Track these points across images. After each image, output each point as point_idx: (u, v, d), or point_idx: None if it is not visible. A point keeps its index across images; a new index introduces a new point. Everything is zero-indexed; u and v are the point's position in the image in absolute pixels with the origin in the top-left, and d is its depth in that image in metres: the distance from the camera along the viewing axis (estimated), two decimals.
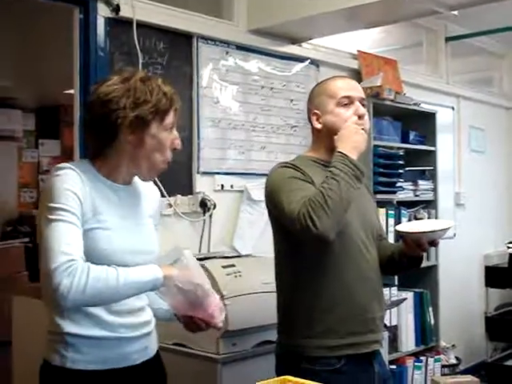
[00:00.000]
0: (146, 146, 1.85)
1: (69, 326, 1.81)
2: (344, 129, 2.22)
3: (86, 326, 1.82)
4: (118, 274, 1.70)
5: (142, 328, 1.93)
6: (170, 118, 1.88)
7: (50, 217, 1.70)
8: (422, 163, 4.73)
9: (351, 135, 2.20)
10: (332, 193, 2.06)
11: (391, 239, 4.11)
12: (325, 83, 2.38)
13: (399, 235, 2.35)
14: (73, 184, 1.75)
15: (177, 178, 3.40)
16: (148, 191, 2.05)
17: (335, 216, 2.06)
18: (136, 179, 1.99)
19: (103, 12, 3.16)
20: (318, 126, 2.33)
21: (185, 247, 1.91)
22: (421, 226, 2.35)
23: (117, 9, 3.17)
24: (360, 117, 2.27)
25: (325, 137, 2.32)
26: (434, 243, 2.27)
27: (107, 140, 1.85)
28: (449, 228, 2.25)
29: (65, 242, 1.67)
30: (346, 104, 2.28)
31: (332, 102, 2.29)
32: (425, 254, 4.22)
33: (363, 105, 2.31)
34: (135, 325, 1.90)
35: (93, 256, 1.74)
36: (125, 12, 3.19)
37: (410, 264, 2.42)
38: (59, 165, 1.81)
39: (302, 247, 2.21)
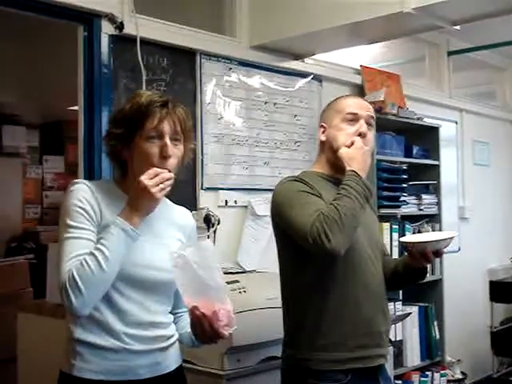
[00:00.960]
0: (134, 159, 1.91)
1: (79, 332, 1.86)
2: (355, 148, 2.24)
3: (95, 332, 1.86)
4: (96, 257, 1.76)
5: (154, 343, 1.93)
6: (150, 128, 1.87)
7: (61, 235, 1.83)
8: (425, 177, 4.74)
9: (361, 156, 2.22)
10: (346, 210, 2.08)
11: (395, 253, 4.11)
12: (337, 99, 2.42)
13: (404, 246, 2.36)
14: (81, 199, 1.85)
15: (181, 194, 3.36)
16: (180, 217, 2.09)
17: (348, 233, 2.08)
18: (164, 201, 2.01)
19: (107, 29, 3.19)
20: (323, 138, 2.37)
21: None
22: (425, 237, 2.37)
23: (120, 26, 3.19)
24: (361, 135, 2.28)
25: (327, 149, 2.35)
26: (438, 253, 2.28)
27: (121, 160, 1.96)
28: (453, 237, 2.26)
29: (66, 260, 1.78)
30: (350, 120, 2.30)
31: (338, 117, 2.32)
32: (429, 269, 4.23)
33: (370, 124, 2.33)
34: (144, 338, 1.90)
35: None
36: (128, 29, 3.21)
37: (415, 276, 2.43)
38: (75, 180, 1.94)
39: (309, 262, 2.21)
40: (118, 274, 1.82)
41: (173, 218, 2.05)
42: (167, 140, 1.88)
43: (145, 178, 1.79)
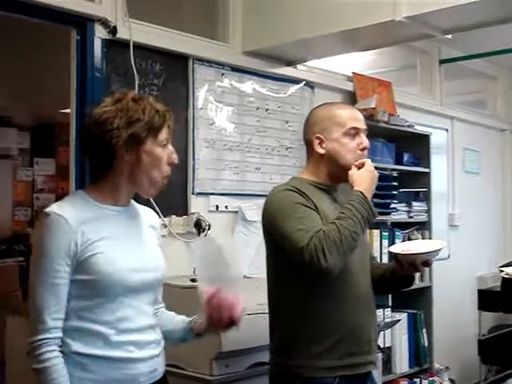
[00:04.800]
0: (142, 163, 1.90)
1: (78, 346, 1.84)
2: (366, 170, 2.25)
3: (97, 345, 1.84)
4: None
5: (151, 348, 1.94)
6: (163, 134, 1.93)
7: (40, 277, 1.80)
8: (415, 185, 4.76)
9: (371, 178, 2.24)
10: (347, 232, 2.09)
11: (385, 260, 4.12)
12: (331, 109, 2.39)
13: (392, 256, 2.37)
14: (59, 237, 1.80)
15: (172, 199, 3.41)
16: (146, 215, 2.09)
17: (345, 254, 2.11)
18: (133, 203, 2.04)
19: (100, 33, 3.19)
20: (321, 151, 2.34)
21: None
22: (414, 246, 2.37)
23: (114, 30, 3.19)
24: (364, 149, 2.31)
25: (326, 162, 2.34)
26: (427, 263, 2.30)
27: (105, 161, 1.91)
28: (442, 248, 2.27)
29: (44, 315, 1.78)
30: (352, 135, 2.31)
31: (339, 131, 2.31)
32: (418, 275, 4.23)
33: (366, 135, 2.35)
34: (144, 343, 1.91)
35: (99, 278, 1.81)
36: (122, 34, 3.22)
37: (402, 283, 2.45)
38: (47, 209, 1.85)
39: (300, 271, 2.21)
40: (116, 283, 1.83)
41: (143, 218, 2.06)
42: (171, 147, 1.97)
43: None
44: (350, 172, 2.26)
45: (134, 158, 1.90)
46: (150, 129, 1.90)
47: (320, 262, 2.05)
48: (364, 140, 2.32)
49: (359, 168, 2.27)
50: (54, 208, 1.84)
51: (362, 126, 2.34)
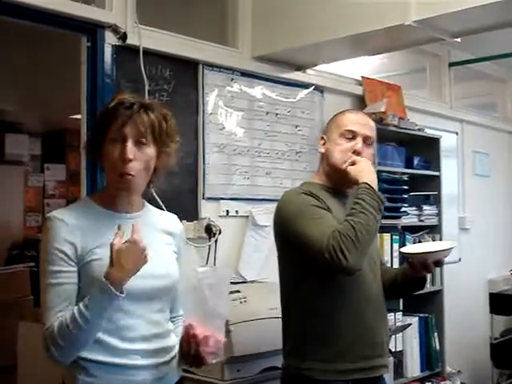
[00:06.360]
0: (103, 163, 1.91)
1: (83, 353, 1.83)
2: (360, 162, 2.28)
3: (100, 352, 1.83)
4: (74, 314, 1.75)
5: (158, 356, 1.92)
6: (113, 130, 1.86)
7: (43, 279, 1.83)
8: (426, 188, 4.74)
9: (368, 167, 2.27)
10: (362, 227, 2.11)
11: (396, 264, 4.12)
12: (342, 113, 2.45)
13: (404, 257, 2.38)
14: (58, 239, 1.82)
15: (182, 204, 3.42)
16: (163, 221, 2.07)
17: (363, 250, 2.12)
18: (149, 209, 2.04)
19: (110, 40, 3.20)
20: (321, 150, 2.42)
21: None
22: (425, 247, 2.39)
23: (124, 37, 3.21)
24: (355, 152, 2.32)
25: (324, 162, 2.41)
26: (439, 263, 2.30)
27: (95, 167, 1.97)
28: (452, 247, 2.28)
29: (48, 311, 1.79)
30: (348, 137, 2.34)
31: (337, 132, 2.37)
32: (429, 279, 4.22)
33: (368, 143, 2.36)
34: (149, 352, 1.89)
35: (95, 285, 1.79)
36: (132, 40, 3.23)
37: (414, 286, 2.45)
38: (50, 214, 1.88)
39: (312, 274, 2.23)
40: None
41: (159, 224, 2.04)
42: (128, 143, 1.85)
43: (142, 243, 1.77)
44: (348, 169, 2.29)
45: (100, 160, 1.92)
46: (100, 126, 1.89)
47: (341, 262, 2.06)
48: (357, 143, 2.33)
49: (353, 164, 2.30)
50: (54, 212, 1.88)
51: (362, 130, 2.35)
